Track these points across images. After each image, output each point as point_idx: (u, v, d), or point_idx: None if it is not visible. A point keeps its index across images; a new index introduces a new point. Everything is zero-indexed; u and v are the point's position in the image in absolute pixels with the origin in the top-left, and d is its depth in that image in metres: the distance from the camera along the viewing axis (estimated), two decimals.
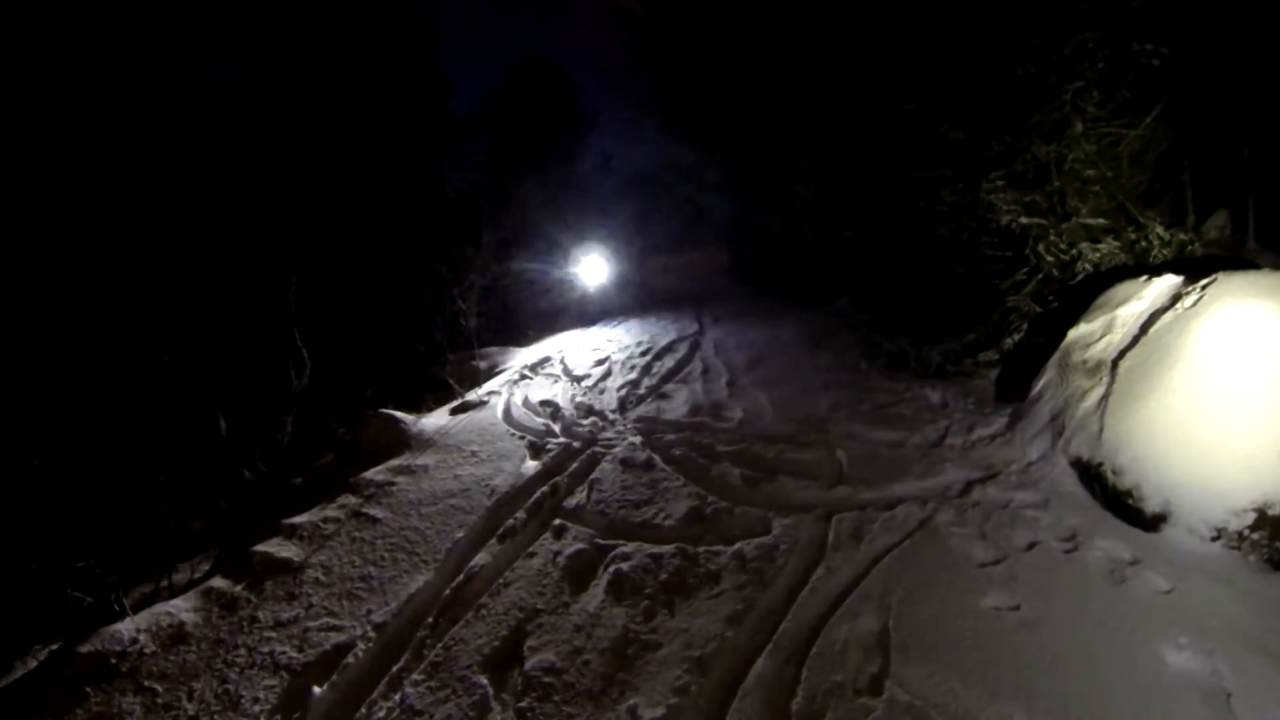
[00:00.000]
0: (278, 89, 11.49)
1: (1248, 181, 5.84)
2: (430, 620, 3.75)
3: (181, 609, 3.99)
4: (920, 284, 8.16)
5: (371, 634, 3.60)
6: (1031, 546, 4.16)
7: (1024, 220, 6.60)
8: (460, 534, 4.58)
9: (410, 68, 13.94)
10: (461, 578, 4.07)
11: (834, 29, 8.90)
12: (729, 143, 12.69)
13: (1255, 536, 3.93)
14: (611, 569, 4.14)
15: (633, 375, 8.34)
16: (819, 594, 3.74)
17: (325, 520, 4.88)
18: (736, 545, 4.35)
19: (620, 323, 11.52)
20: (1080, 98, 6.35)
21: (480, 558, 4.30)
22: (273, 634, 3.66)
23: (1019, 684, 3.04)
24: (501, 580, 4.08)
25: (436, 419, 6.96)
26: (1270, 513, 3.91)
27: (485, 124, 16.51)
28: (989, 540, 4.27)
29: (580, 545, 4.40)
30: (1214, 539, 4.00)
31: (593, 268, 13.46)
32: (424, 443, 6.27)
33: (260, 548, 4.51)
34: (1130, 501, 4.38)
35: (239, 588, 4.14)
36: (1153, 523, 4.24)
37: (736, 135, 12.35)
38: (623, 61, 15.58)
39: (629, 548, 4.37)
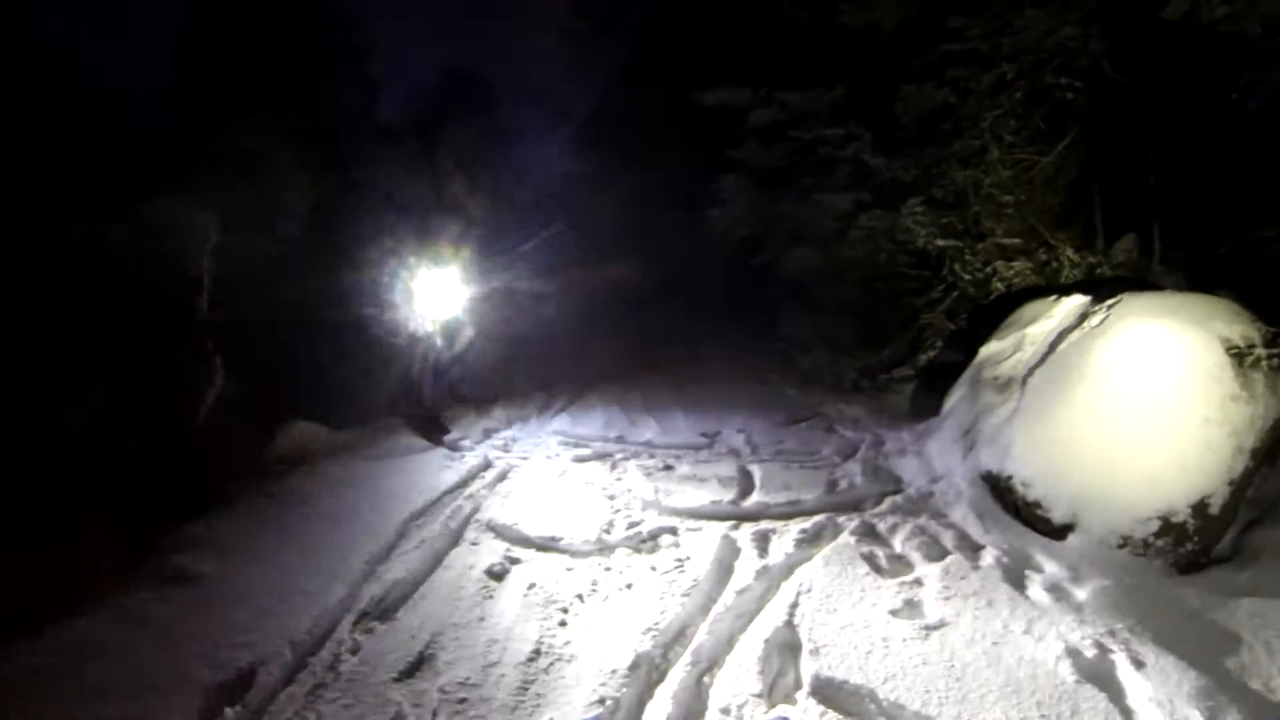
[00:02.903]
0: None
1: (1153, 208, 6.11)
2: (345, 634, 3.57)
3: (91, 627, 3.68)
4: (837, 301, 8.28)
5: (286, 650, 3.39)
6: (942, 556, 4.17)
7: (941, 243, 6.74)
8: (376, 546, 4.40)
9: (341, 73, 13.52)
10: (377, 590, 3.90)
11: (768, 51, 9.03)
12: (653, 156, 12.72)
13: (1160, 543, 4.02)
14: (525, 581, 4.03)
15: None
16: (732, 606, 3.69)
17: (240, 531, 4.62)
18: (649, 556, 4.29)
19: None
20: (998, 125, 6.53)
21: (396, 570, 4.13)
22: (184, 652, 3.41)
23: (930, 690, 3.01)
24: (418, 594, 3.93)
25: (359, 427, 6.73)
26: (1173, 520, 4.01)
27: (412, 133, 16.19)
28: (900, 551, 4.28)
29: (495, 558, 4.26)
30: (1120, 546, 4.08)
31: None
32: (341, 454, 6.02)
33: (172, 559, 4.23)
34: (1039, 512, 4.44)
35: (149, 603, 3.84)
36: (1061, 532, 4.30)
37: (661, 149, 12.39)
38: (550, 71, 15.40)
39: (543, 560, 4.27)
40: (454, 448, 6.28)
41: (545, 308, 12.33)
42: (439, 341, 6.80)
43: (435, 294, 6.71)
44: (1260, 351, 4.13)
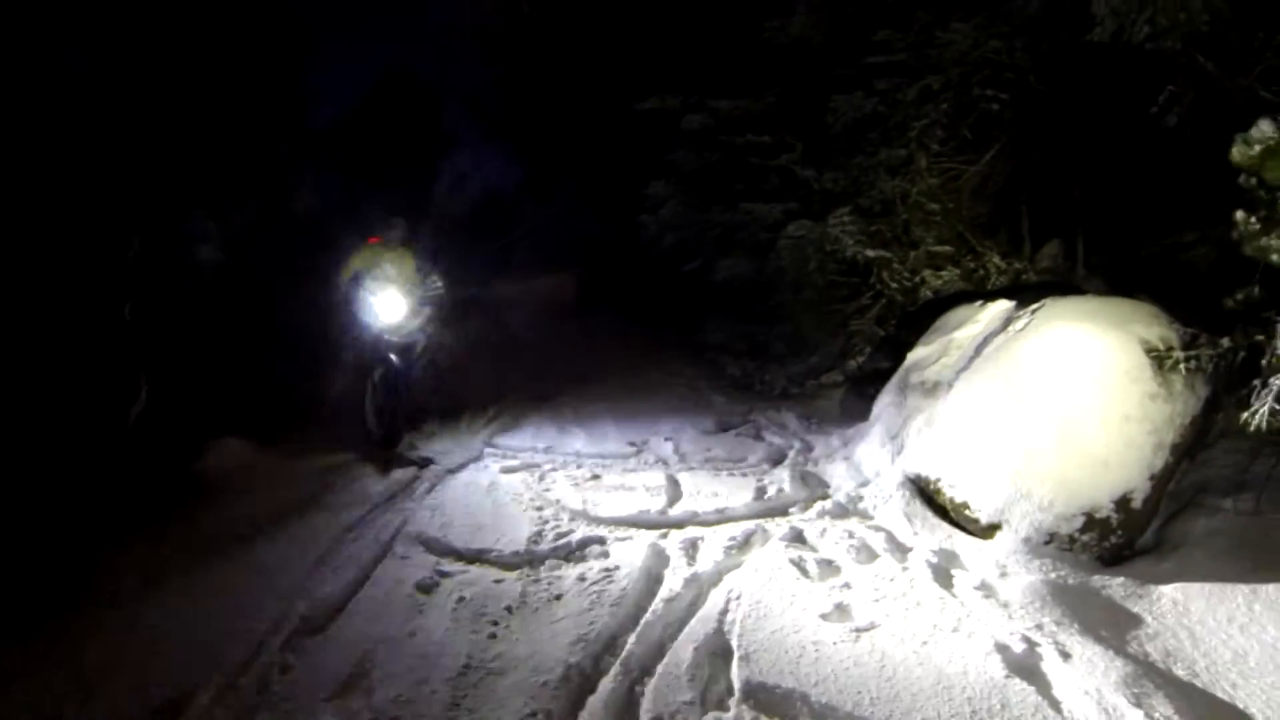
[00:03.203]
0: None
1: (1078, 216, 6.29)
2: (275, 654, 3.36)
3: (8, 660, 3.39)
4: (767, 310, 8.30)
5: (214, 673, 3.17)
6: (871, 559, 4.15)
7: (870, 254, 6.79)
8: (305, 562, 4.18)
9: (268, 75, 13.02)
10: (306, 609, 3.70)
11: (702, 58, 9.04)
12: (583, 164, 12.63)
13: (1085, 538, 4.08)
14: (455, 594, 3.89)
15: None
16: (661, 614, 3.61)
17: (165, 552, 4.33)
18: (577, 567, 4.18)
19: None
20: (925, 135, 6.61)
21: (326, 587, 3.92)
22: (109, 683, 3.16)
23: (862, 692, 2.97)
24: (348, 610, 3.75)
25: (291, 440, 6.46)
26: (1097, 516, 4.08)
27: (342, 139, 15.71)
28: (830, 555, 4.23)
29: (425, 571, 4.11)
30: (1047, 543, 4.12)
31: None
32: (271, 468, 5.75)
33: (96, 583, 3.94)
34: (966, 512, 4.46)
35: (71, 631, 3.56)
36: (988, 531, 4.32)
37: (591, 158, 12.32)
38: (480, 76, 15.13)
39: (472, 572, 4.14)
40: (386, 460, 6.03)
41: (477, 318, 12.17)
42: (392, 355, 6.45)
43: (375, 304, 6.40)
44: (1178, 354, 4.21)
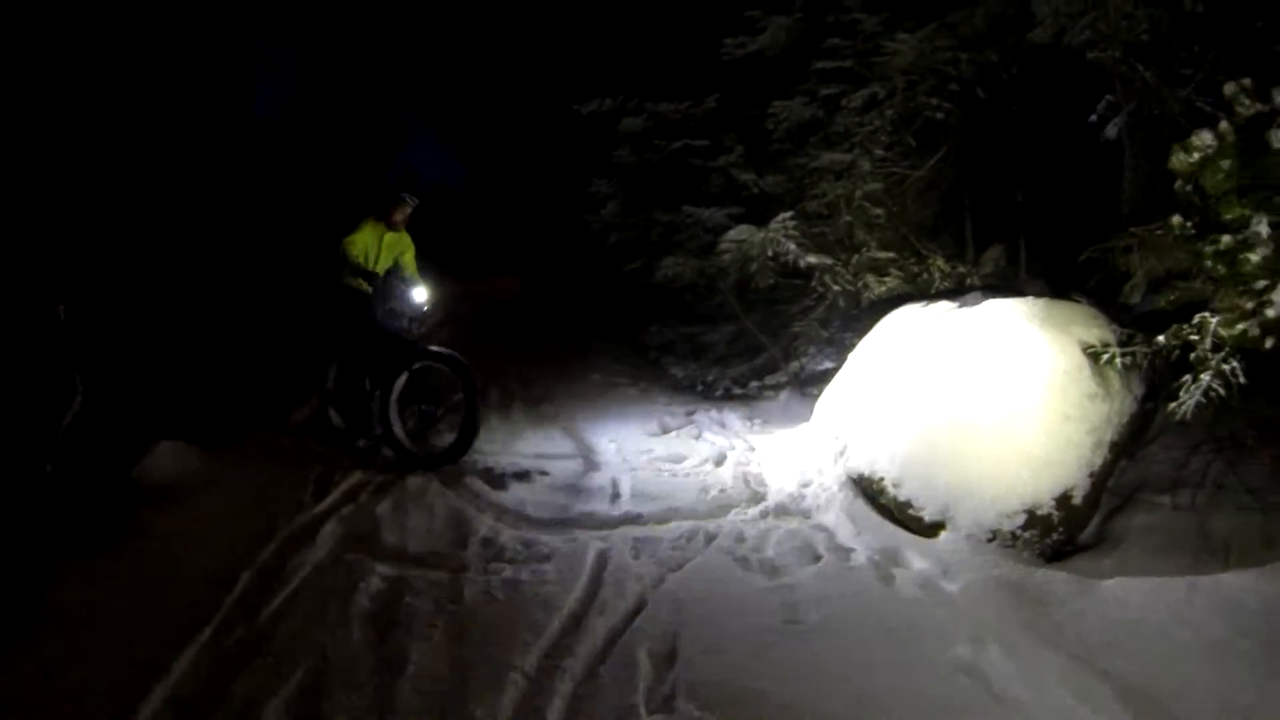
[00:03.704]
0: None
1: (1020, 221, 6.45)
2: (204, 670, 3.19)
3: None
4: (710, 311, 8.28)
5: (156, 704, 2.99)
6: (816, 559, 4.12)
7: (813, 259, 6.80)
8: (245, 578, 3.97)
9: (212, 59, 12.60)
10: (244, 632, 3.51)
11: (644, 60, 9.01)
12: (528, 162, 12.50)
13: (1027, 535, 4.11)
14: (393, 598, 3.76)
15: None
16: (605, 616, 3.54)
17: (93, 573, 4.05)
18: (517, 568, 4.08)
19: None
20: (869, 141, 6.67)
21: (264, 600, 3.75)
22: None
23: (808, 693, 2.92)
24: (285, 622, 3.57)
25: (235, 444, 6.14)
26: (1039, 513, 4.13)
27: (287, 128, 15.26)
28: (773, 555, 4.20)
29: (365, 578, 3.93)
30: (990, 540, 4.14)
31: None
32: (212, 475, 5.44)
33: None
34: (910, 511, 4.46)
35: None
36: (932, 529, 4.33)
37: (536, 156, 12.20)
38: (427, 71, 14.80)
39: (411, 575, 3.99)
40: (330, 464, 5.75)
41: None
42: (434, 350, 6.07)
43: (411, 292, 6.14)
44: (1115, 351, 4.29)
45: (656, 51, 8.91)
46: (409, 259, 6.43)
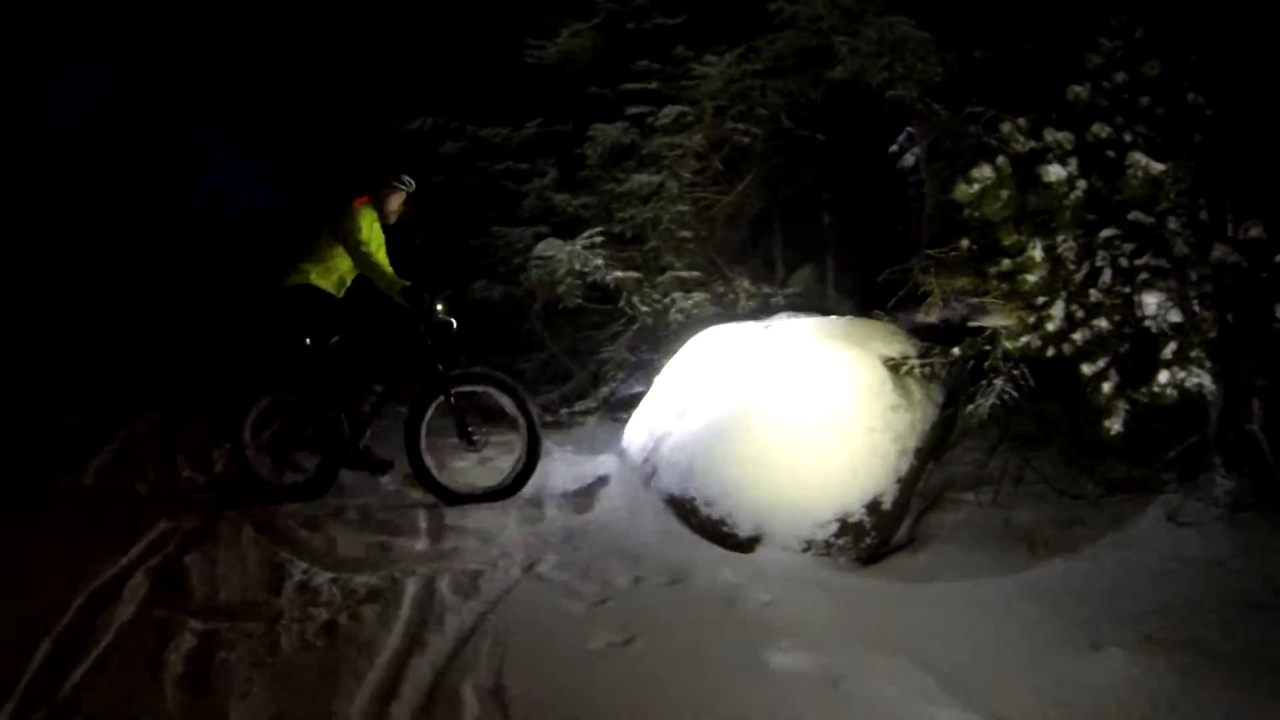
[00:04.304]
0: None
1: (828, 243, 6.75)
2: None
3: None
4: (520, 337, 8.07)
5: None
6: (636, 583, 4.00)
7: (619, 275, 6.78)
8: (45, 646, 3.39)
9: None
10: (47, 708, 2.96)
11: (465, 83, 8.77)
12: (348, 185, 11.78)
13: (841, 542, 4.21)
14: (205, 652, 3.34)
15: None
16: (428, 655, 3.28)
17: None
18: (339, 613, 3.71)
19: None
20: (678, 165, 6.75)
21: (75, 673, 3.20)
22: None
23: (636, 708, 2.83)
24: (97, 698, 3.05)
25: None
26: (850, 520, 4.24)
27: (85, 143, 13.63)
28: (593, 582, 4.04)
29: (183, 635, 3.49)
30: (805, 550, 4.20)
31: None
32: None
33: None
34: (725, 529, 4.44)
35: None
36: (748, 545, 4.33)
37: (356, 178, 11.53)
38: (237, 85, 13.56)
39: (235, 633, 3.54)
40: (134, 513, 5.02)
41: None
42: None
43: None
44: (913, 361, 4.52)
45: (477, 68, 8.66)
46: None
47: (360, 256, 5.28)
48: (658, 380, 6.04)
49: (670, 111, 6.60)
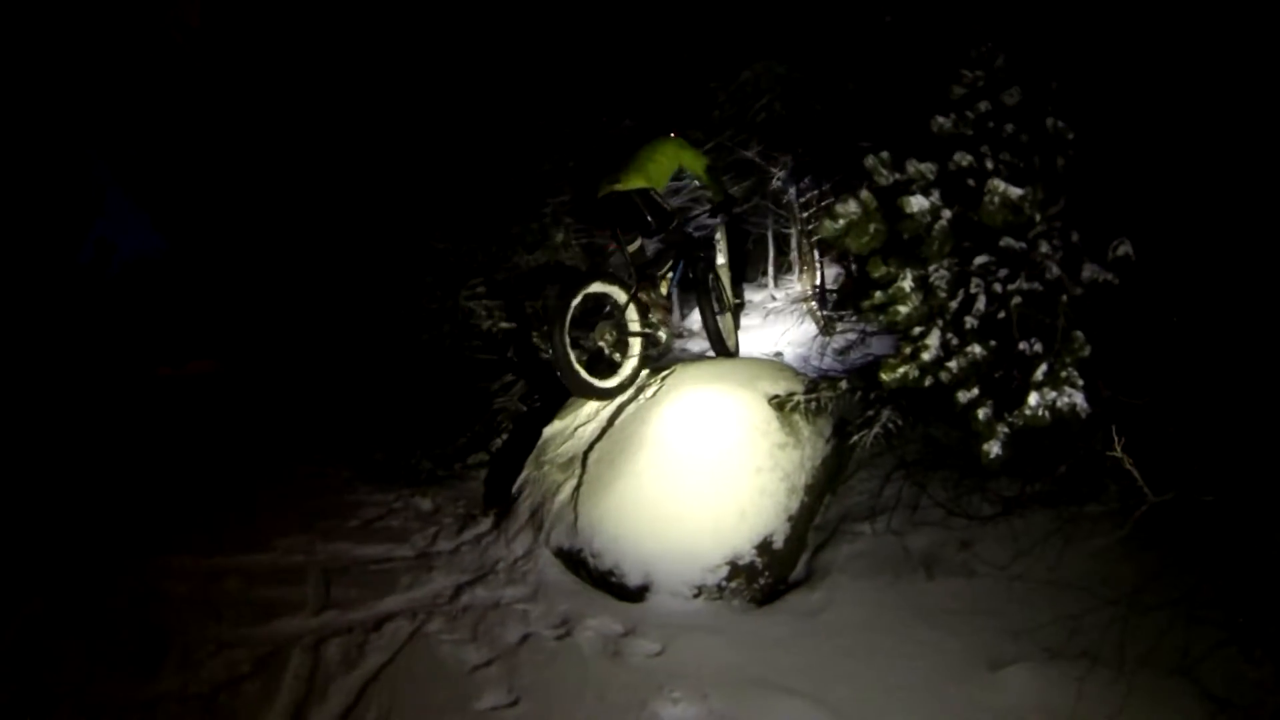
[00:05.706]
0: None
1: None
2: None
3: None
4: (412, 390, 7.82)
5: None
6: (524, 640, 3.87)
7: (504, 325, 6.67)
8: None
9: None
10: None
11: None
12: (246, 234, 11.30)
13: (733, 585, 4.15)
14: None
15: None
16: None
17: None
18: (219, 689, 3.49)
19: None
20: (560, 211, 6.69)
21: None
22: None
23: None
24: None
25: None
26: (740, 563, 4.19)
27: None
28: (481, 641, 3.90)
29: None
30: (696, 596, 4.13)
31: None
32: None
33: None
34: (614, 579, 4.34)
35: None
36: (638, 594, 4.24)
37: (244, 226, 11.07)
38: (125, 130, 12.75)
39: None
40: None
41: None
42: None
43: None
44: (799, 397, 4.49)
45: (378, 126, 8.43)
46: None
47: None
48: (545, 431, 5.91)
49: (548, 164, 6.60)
